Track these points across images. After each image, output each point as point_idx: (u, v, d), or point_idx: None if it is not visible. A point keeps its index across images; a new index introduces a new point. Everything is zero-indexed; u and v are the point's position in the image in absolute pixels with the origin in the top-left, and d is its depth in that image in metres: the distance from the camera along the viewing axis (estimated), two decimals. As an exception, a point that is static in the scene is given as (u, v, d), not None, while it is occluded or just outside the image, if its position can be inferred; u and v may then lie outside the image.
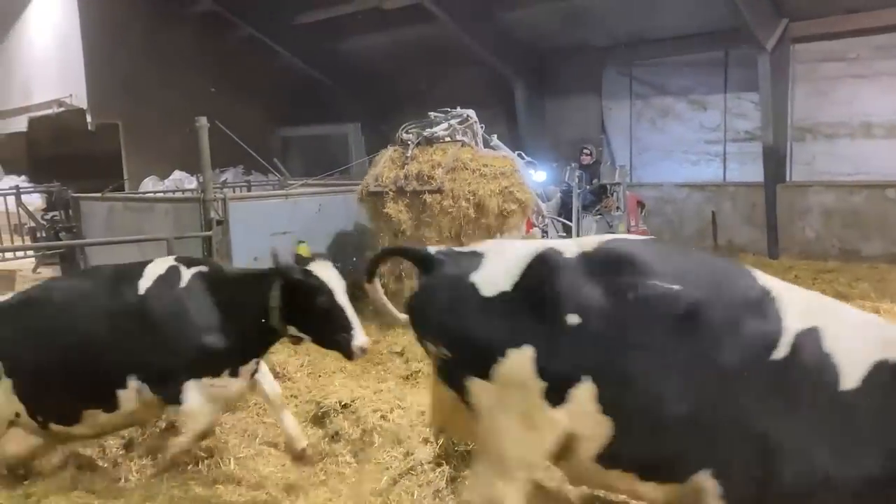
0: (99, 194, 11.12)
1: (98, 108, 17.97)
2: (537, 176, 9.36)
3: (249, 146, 10.33)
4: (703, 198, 13.63)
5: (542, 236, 9.18)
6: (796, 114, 12.58)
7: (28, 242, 13.49)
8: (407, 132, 8.48)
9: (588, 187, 10.60)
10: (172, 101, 16.50)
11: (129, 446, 4.86)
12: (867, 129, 11.93)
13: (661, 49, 13.89)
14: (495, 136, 8.69)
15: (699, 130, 14.13)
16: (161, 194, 14.81)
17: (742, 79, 13.09)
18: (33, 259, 13.63)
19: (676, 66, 14.13)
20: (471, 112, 8.50)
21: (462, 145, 8.14)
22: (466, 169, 7.78)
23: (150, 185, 16.37)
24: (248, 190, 14.24)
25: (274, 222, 9.12)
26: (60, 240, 11.93)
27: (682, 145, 14.42)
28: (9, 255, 12.99)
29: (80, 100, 18.05)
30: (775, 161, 12.37)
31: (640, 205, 11.70)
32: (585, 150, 11.21)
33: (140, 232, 9.78)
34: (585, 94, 15.42)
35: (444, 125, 8.31)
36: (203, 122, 8.53)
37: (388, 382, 5.68)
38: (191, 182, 15.24)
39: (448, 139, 8.20)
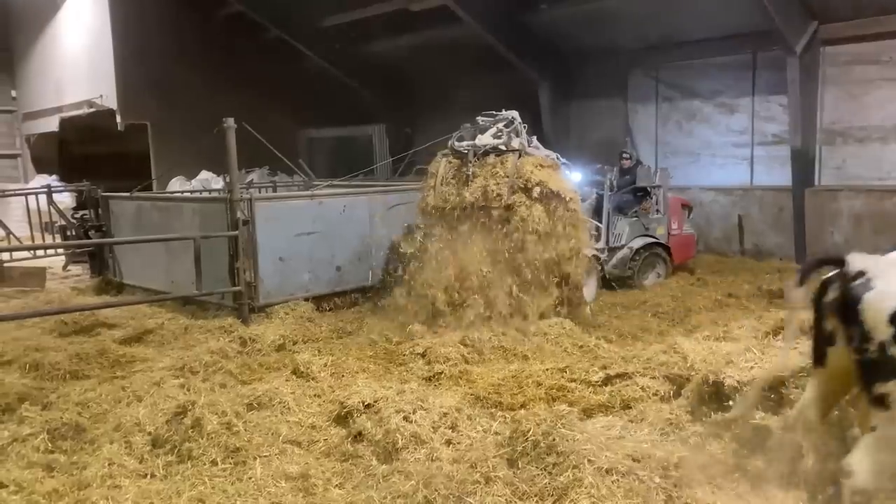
0: (128, 194, 11.28)
1: (127, 109, 18.26)
2: (573, 177, 9.43)
3: (275, 147, 10.42)
4: (729, 201, 13.48)
5: None
6: (826, 117, 12.40)
7: (58, 240, 13.73)
8: (459, 141, 8.37)
9: (624, 189, 10.70)
10: (200, 103, 16.71)
11: (155, 443, 4.92)
12: (899, 133, 11.73)
13: (689, 51, 13.77)
14: (535, 137, 8.59)
15: (726, 133, 13.99)
16: (188, 194, 14.99)
17: (770, 81, 12.94)
18: (63, 257, 13.87)
19: (704, 69, 14.00)
20: (515, 114, 8.37)
21: (520, 155, 8.02)
22: (531, 185, 7.76)
23: (177, 185, 16.57)
24: (274, 190, 14.36)
25: (299, 223, 9.20)
26: (90, 238, 12.12)
27: (709, 148, 14.29)
28: (39, 252, 13.21)
29: (110, 101, 18.36)
30: (804, 165, 12.21)
31: (686, 207, 11.79)
32: (624, 154, 11.23)
33: (167, 231, 9.92)
34: (611, 97, 15.33)
35: (493, 130, 8.23)
36: (230, 122, 8.63)
37: (411, 383, 5.68)
38: (217, 182, 15.41)
39: (503, 147, 8.08)
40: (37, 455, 4.86)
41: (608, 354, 6.83)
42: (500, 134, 8.17)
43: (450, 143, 8.46)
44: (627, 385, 5.71)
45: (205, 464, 4.59)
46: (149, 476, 4.54)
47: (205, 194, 14.83)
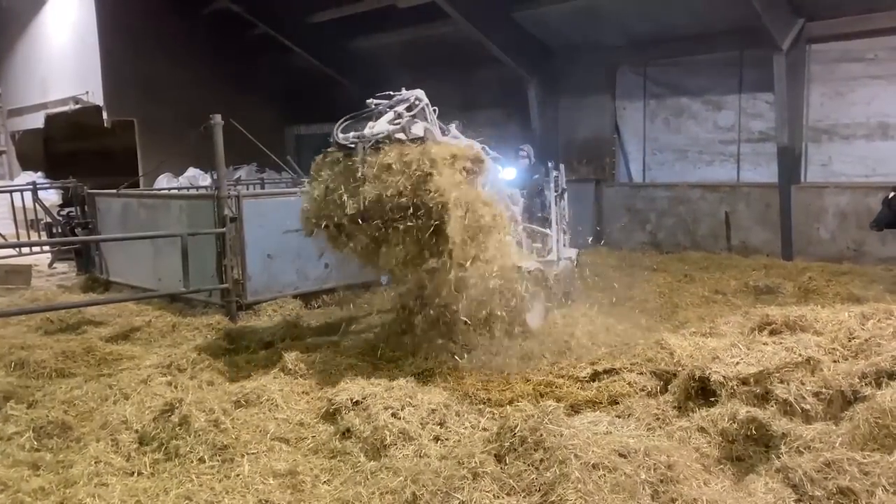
0: (114, 191, 11.22)
1: (114, 105, 18.13)
2: (505, 173, 7.96)
3: (263, 144, 10.39)
4: (716, 198, 13.55)
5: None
6: (812, 114, 12.49)
7: (44, 238, 13.63)
8: (345, 132, 6.59)
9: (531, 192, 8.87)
10: (187, 99, 16.61)
11: (143, 440, 4.90)
12: (884, 131, 11.82)
13: (676, 49, 13.81)
14: (454, 123, 7.13)
15: (714, 130, 14.06)
16: (175, 191, 14.92)
17: (757, 79, 13.01)
18: (49, 254, 13.77)
19: (691, 66, 14.06)
20: (419, 93, 6.70)
21: (422, 141, 6.29)
22: (435, 173, 6.01)
23: (164, 181, 16.49)
24: (262, 187, 14.32)
25: (287, 219, 9.16)
26: (76, 235, 12.05)
27: (696, 145, 14.35)
28: (25, 249, 13.11)
29: (97, 97, 18.22)
30: (790, 162, 12.30)
31: None
32: (521, 152, 9.22)
33: (155, 228, 9.87)
34: (599, 94, 15.36)
35: (391, 115, 6.44)
36: (217, 119, 8.60)
37: (400, 380, 5.68)
38: (205, 179, 15.35)
39: (402, 135, 6.30)
40: (22, 453, 4.84)
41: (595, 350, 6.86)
42: (398, 120, 6.42)
43: (333, 134, 6.68)
44: (615, 381, 5.75)
45: (192, 461, 4.58)
46: (136, 474, 4.53)
47: (192, 191, 14.76)
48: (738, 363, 5.09)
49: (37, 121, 21.43)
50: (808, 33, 11.97)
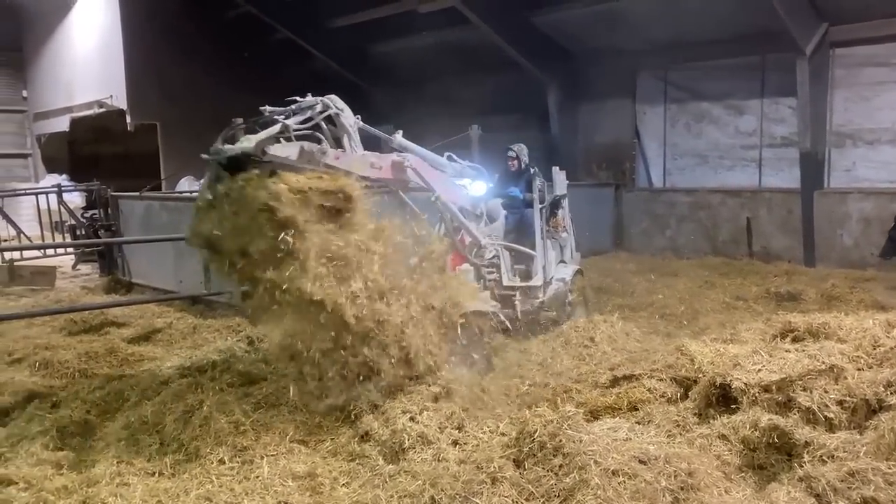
0: (137, 193, 11.34)
1: (137, 109, 18.36)
2: (474, 188, 7.12)
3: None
4: (737, 203, 13.45)
5: (485, 271, 7.36)
6: (836, 119, 12.37)
7: (68, 240, 13.81)
8: (226, 143, 5.09)
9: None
10: (209, 103, 16.77)
11: (163, 441, 4.95)
12: (910, 136, 11.70)
13: (697, 53, 13.75)
14: (399, 132, 6.40)
15: (735, 135, 13.96)
16: (197, 194, 15.03)
17: (780, 83, 12.91)
18: (73, 256, 13.95)
19: (712, 71, 13.98)
20: (331, 99, 5.62)
21: (272, 173, 4.90)
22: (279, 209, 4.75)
23: (186, 184, 16.64)
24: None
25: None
26: (99, 237, 12.20)
27: (717, 150, 14.26)
28: (50, 251, 13.29)
29: (120, 101, 18.46)
30: (813, 167, 12.18)
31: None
32: (510, 153, 8.28)
33: (176, 231, 9.94)
34: (619, 98, 15.32)
35: (276, 128, 5.11)
36: (239, 122, 8.63)
37: (419, 385, 5.68)
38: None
39: (257, 154, 4.89)
40: (46, 452, 4.89)
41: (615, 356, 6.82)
42: (286, 133, 5.16)
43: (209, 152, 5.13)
44: (634, 387, 5.70)
45: (212, 462, 4.60)
46: (157, 474, 4.57)
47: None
48: (759, 370, 5.02)
49: (62, 124, 21.74)
50: (831, 37, 11.87)
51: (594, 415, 5.31)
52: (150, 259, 10.69)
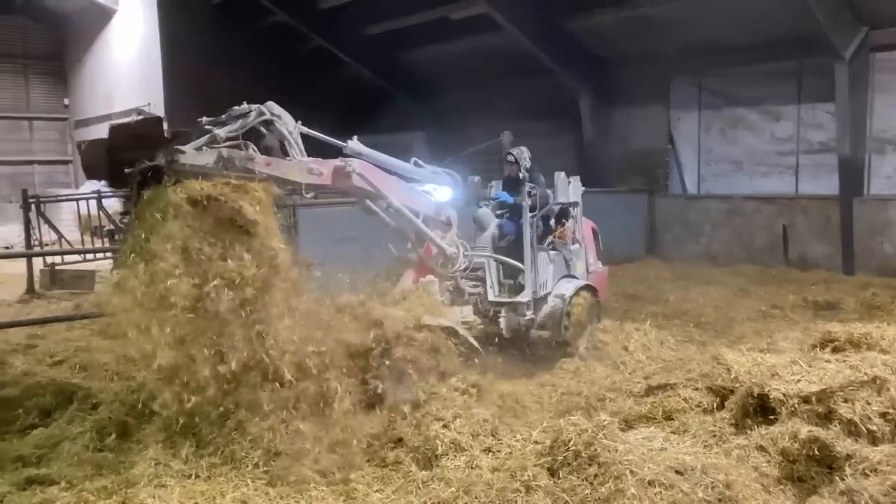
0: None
1: (174, 116, 18.67)
2: (439, 194, 6.70)
3: (316, 153, 10.52)
4: (773, 211, 13.23)
5: (465, 284, 6.92)
6: (876, 125, 12.12)
7: (107, 244, 14.07)
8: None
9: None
10: (243, 110, 17.02)
11: (200, 444, 5.00)
12: (953, 142, 11.42)
13: (732, 58, 13.57)
14: (354, 137, 6.18)
15: (771, 141, 13.75)
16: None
17: (817, 88, 12.69)
18: (111, 260, 14.21)
19: (748, 76, 13.80)
20: (267, 106, 5.52)
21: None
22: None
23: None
24: (316, 197, 14.50)
25: (341, 229, 9.29)
26: (137, 242, 12.39)
27: (752, 157, 14.07)
28: (89, 255, 13.57)
29: (158, 108, 18.82)
30: (852, 174, 11.94)
31: (595, 233, 8.48)
32: (509, 157, 7.77)
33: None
34: (653, 104, 15.20)
35: (203, 140, 5.23)
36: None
37: (452, 392, 5.68)
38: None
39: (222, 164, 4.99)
40: (87, 453, 4.99)
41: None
42: (215, 145, 5.25)
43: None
44: (669, 396, 5.63)
45: (248, 466, 4.65)
46: (193, 476, 4.62)
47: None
48: (798, 381, 4.93)
49: (101, 132, 22.18)
50: (871, 42, 11.64)
51: (628, 423, 5.26)
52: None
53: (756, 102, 13.84)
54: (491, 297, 7.04)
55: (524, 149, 7.79)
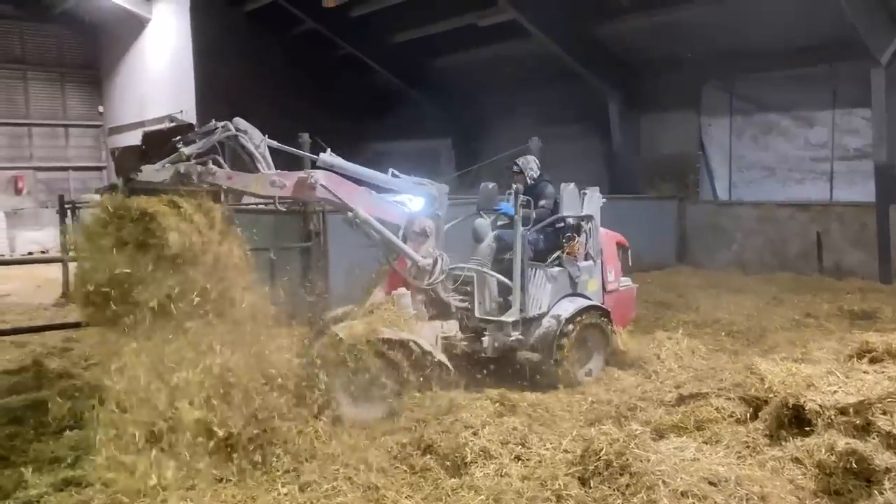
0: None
1: (206, 122, 18.93)
2: (414, 204, 6.53)
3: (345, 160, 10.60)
4: (807, 218, 13.02)
5: (452, 298, 6.63)
6: (913, 130, 11.87)
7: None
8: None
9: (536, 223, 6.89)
10: (273, 117, 17.15)
11: (231, 449, 5.05)
12: None
13: (765, 63, 13.40)
14: (328, 150, 6.35)
15: (805, 147, 13.54)
16: (263, 206, 15.39)
17: (852, 93, 12.47)
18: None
19: (781, 81, 13.62)
20: (233, 122, 5.85)
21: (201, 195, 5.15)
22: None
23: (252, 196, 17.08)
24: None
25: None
26: (169, 247, 12.57)
27: (785, 163, 13.87)
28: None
29: (190, 115, 19.09)
30: (889, 180, 11.70)
31: (622, 247, 7.82)
32: (515, 168, 7.37)
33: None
34: (683, 110, 15.06)
35: (169, 159, 5.47)
36: (305, 138, 8.86)
37: (481, 400, 5.68)
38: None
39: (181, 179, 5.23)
40: (122, 456, 5.05)
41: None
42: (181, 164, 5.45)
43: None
44: (701, 405, 5.55)
45: (278, 471, 4.69)
46: (224, 481, 4.67)
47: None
48: (835, 392, 4.85)
49: (135, 138, 22.58)
50: (909, 46, 11.40)
51: (659, 433, 5.20)
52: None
53: (789, 108, 13.64)
54: (478, 314, 6.65)
55: (531, 158, 7.49)
